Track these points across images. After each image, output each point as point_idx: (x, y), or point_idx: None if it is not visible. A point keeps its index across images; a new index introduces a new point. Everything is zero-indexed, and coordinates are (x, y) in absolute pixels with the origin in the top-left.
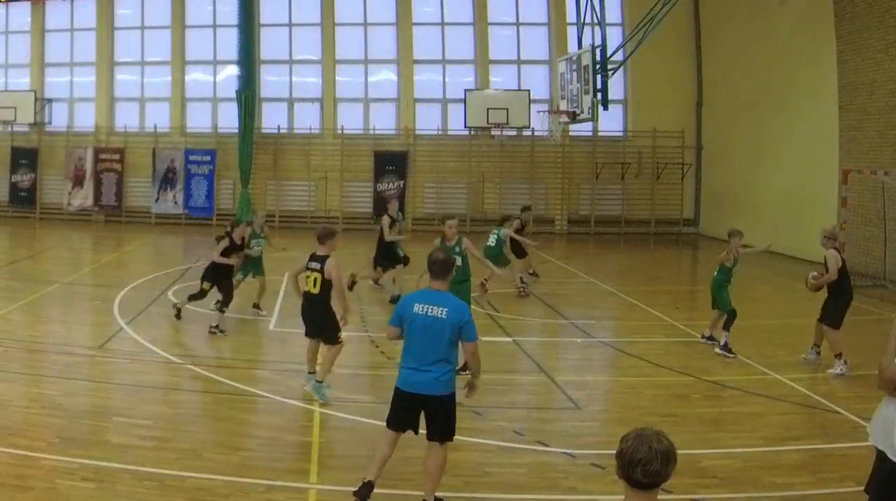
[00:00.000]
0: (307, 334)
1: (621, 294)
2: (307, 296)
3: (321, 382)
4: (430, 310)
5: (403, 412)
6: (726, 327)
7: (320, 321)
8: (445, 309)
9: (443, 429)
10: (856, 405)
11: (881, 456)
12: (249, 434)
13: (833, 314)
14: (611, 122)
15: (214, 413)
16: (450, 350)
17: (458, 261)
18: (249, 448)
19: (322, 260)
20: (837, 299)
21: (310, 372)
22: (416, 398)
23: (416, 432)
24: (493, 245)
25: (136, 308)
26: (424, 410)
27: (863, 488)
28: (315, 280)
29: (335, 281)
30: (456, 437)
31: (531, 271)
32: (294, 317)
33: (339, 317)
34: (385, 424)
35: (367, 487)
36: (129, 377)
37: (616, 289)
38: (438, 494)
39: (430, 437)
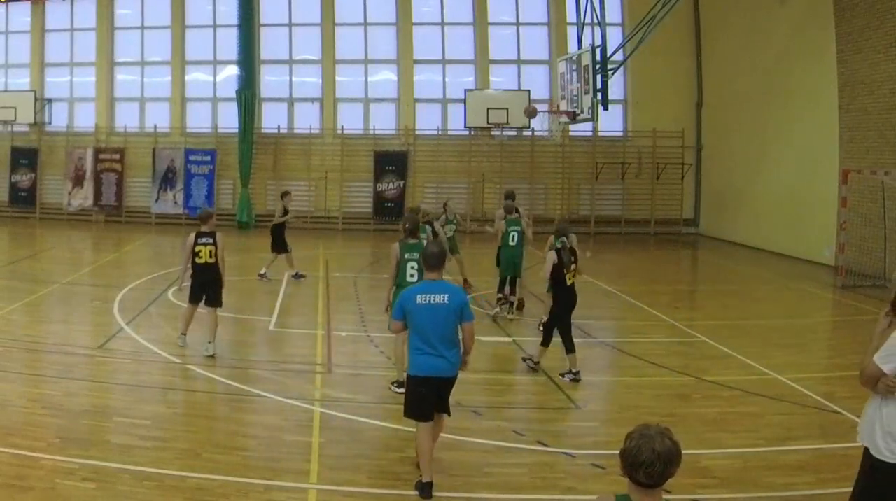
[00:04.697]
0: (193, 300)
1: (621, 294)
2: (203, 266)
3: (212, 342)
4: (433, 299)
5: (428, 396)
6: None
7: (215, 285)
8: (447, 295)
9: (447, 404)
10: (856, 405)
11: (866, 452)
12: (249, 434)
13: None
14: (611, 122)
15: (214, 413)
16: (456, 332)
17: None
18: (249, 447)
19: (212, 235)
20: None
21: (183, 334)
22: (434, 381)
23: (438, 413)
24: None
25: (136, 308)
26: (442, 391)
27: None
28: (210, 251)
29: (222, 250)
30: (456, 437)
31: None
32: (294, 317)
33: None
34: (414, 419)
35: (428, 487)
36: (129, 377)
37: (616, 289)
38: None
39: (438, 411)
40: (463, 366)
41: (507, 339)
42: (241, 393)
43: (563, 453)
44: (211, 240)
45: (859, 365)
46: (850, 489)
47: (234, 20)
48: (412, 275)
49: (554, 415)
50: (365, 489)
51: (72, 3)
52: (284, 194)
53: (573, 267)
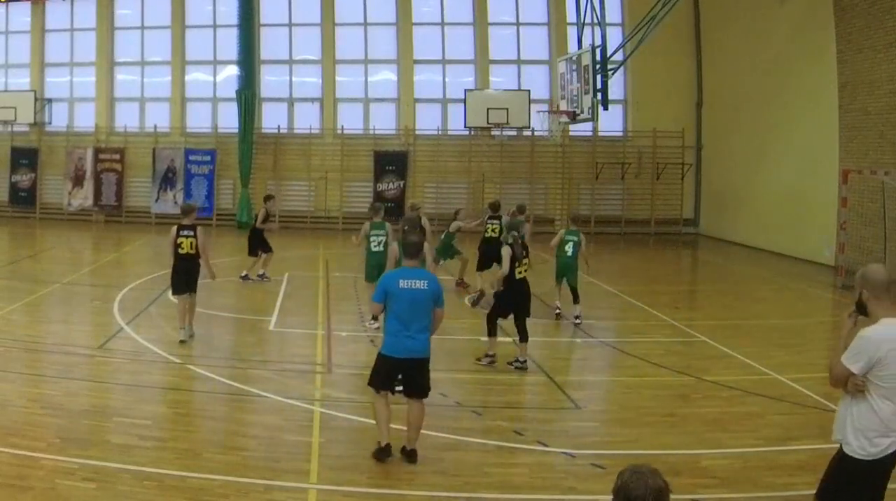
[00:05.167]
0: (178, 292)
1: (621, 294)
2: (184, 257)
3: (184, 329)
4: (413, 284)
5: (394, 373)
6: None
7: (195, 274)
8: (425, 281)
9: (423, 387)
10: None
11: (839, 448)
12: (249, 434)
13: None
14: (611, 122)
15: (214, 413)
16: (428, 316)
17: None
18: (249, 447)
19: (193, 228)
20: None
21: (182, 328)
22: (405, 361)
23: (395, 392)
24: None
25: (136, 308)
26: (407, 371)
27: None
28: (191, 243)
29: (202, 242)
30: (456, 437)
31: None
32: (294, 317)
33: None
34: (376, 389)
35: (386, 450)
36: (129, 377)
37: (616, 289)
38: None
39: (413, 395)
40: None
41: (506, 339)
42: (241, 393)
43: (563, 453)
44: (192, 233)
45: (828, 365)
46: None
47: (234, 20)
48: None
49: (554, 415)
50: (365, 489)
51: (72, 3)
52: (268, 198)
53: (525, 261)
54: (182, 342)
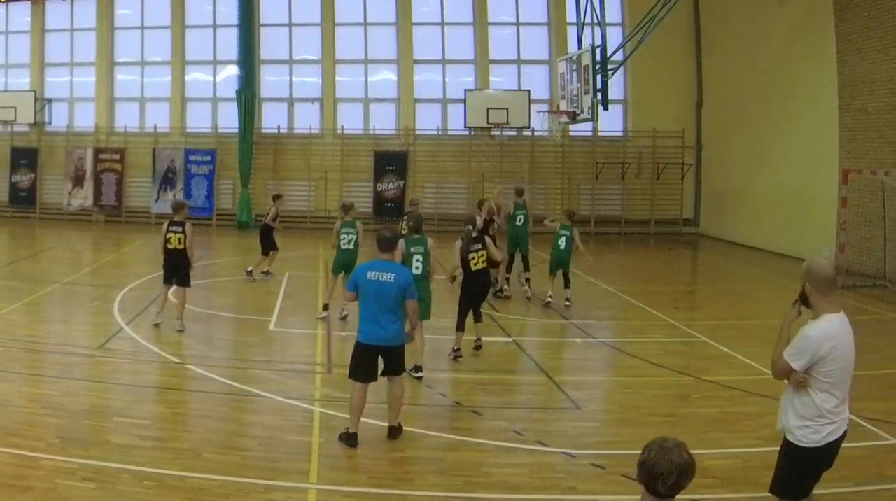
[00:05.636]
0: (167, 282)
1: (621, 294)
2: (173, 251)
3: (180, 319)
4: (381, 276)
5: (368, 362)
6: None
7: (183, 268)
8: (393, 275)
9: (396, 368)
10: (855, 405)
11: (784, 438)
12: (249, 434)
13: None
14: (611, 122)
15: (214, 413)
16: (397, 307)
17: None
18: (249, 447)
19: (182, 224)
20: None
21: (159, 312)
22: (378, 349)
23: (376, 379)
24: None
25: (136, 308)
26: (383, 356)
27: (861, 487)
28: (179, 238)
29: (189, 238)
30: (456, 437)
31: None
32: (294, 317)
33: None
34: (354, 379)
35: (353, 437)
36: (129, 377)
37: (616, 289)
38: (437, 492)
39: (388, 374)
40: (408, 339)
41: (507, 339)
42: (241, 393)
43: (563, 453)
44: (180, 229)
45: (772, 358)
46: (850, 489)
47: (234, 20)
48: (417, 268)
49: (554, 415)
50: (365, 489)
51: (72, 3)
52: (277, 197)
53: (481, 253)
54: (155, 325)
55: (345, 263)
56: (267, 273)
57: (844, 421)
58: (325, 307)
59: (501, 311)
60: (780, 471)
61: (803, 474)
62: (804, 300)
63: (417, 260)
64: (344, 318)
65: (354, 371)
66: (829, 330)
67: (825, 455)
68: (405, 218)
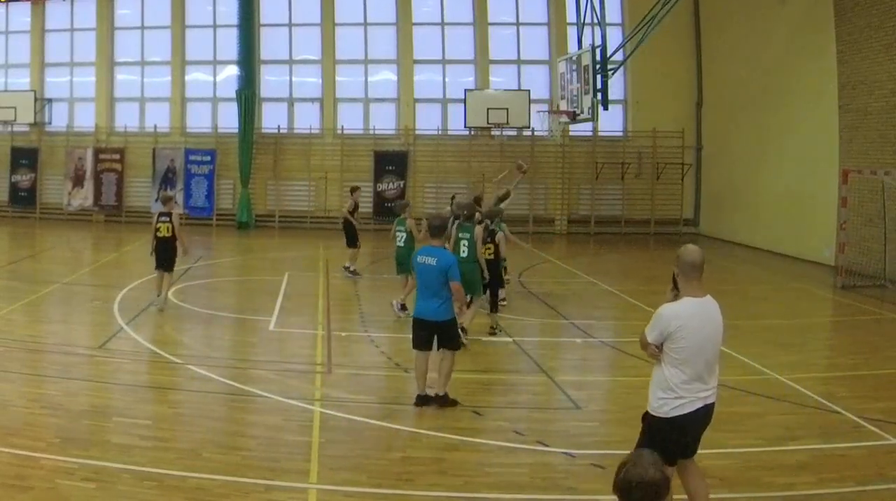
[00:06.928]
0: (157, 268)
1: (621, 294)
2: (162, 239)
3: (160, 296)
4: (426, 260)
5: (422, 333)
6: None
7: (171, 254)
8: (435, 259)
9: (451, 342)
10: (856, 405)
11: (646, 411)
12: (249, 434)
13: None
14: (611, 122)
15: (214, 413)
16: (440, 288)
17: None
18: (249, 447)
19: (169, 215)
20: None
21: (158, 295)
22: (426, 322)
23: (431, 349)
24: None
25: (136, 308)
26: (435, 330)
27: (862, 488)
28: (167, 227)
29: (177, 226)
30: (456, 437)
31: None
32: (294, 317)
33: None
34: (414, 348)
35: (420, 398)
36: (129, 377)
37: (616, 289)
38: (437, 492)
39: (443, 347)
40: (458, 315)
41: (507, 339)
42: (241, 393)
43: (563, 453)
44: (168, 219)
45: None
46: (850, 489)
47: (234, 20)
48: (464, 251)
49: (554, 415)
50: (365, 489)
51: (72, 3)
52: (355, 189)
53: (488, 245)
54: (160, 310)
55: (396, 260)
56: (354, 271)
57: (699, 400)
58: (403, 307)
59: (501, 311)
60: (639, 438)
61: (655, 441)
62: (675, 283)
63: (464, 245)
64: (403, 307)
65: (414, 341)
66: (679, 311)
67: (676, 427)
68: (452, 205)
